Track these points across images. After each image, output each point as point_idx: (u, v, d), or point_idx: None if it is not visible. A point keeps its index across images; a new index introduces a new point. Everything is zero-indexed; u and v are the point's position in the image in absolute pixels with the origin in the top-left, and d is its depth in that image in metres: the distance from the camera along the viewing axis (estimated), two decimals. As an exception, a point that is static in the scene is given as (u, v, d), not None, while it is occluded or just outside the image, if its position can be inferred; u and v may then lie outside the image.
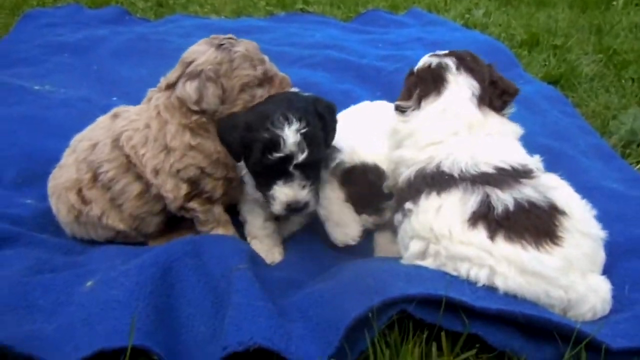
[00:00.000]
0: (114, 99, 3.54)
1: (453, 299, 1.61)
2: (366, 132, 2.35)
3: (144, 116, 2.28)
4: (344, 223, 2.27)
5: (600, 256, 1.88)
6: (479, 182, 1.85)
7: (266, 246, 2.31)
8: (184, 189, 2.25)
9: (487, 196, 1.81)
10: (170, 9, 6.25)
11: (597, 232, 1.89)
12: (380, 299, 1.62)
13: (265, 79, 2.28)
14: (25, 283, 1.89)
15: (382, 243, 2.35)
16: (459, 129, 2.04)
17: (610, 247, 1.98)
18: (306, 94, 2.21)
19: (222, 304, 1.78)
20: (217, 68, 2.18)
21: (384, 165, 2.19)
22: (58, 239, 2.35)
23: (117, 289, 1.74)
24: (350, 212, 2.29)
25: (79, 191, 2.30)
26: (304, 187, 2.05)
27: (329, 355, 1.57)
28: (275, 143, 1.97)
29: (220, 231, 2.35)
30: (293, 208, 2.06)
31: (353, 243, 2.25)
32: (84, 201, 2.29)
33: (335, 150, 2.25)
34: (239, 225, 2.40)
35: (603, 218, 1.95)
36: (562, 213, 1.80)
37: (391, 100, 2.39)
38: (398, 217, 2.02)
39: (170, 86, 2.23)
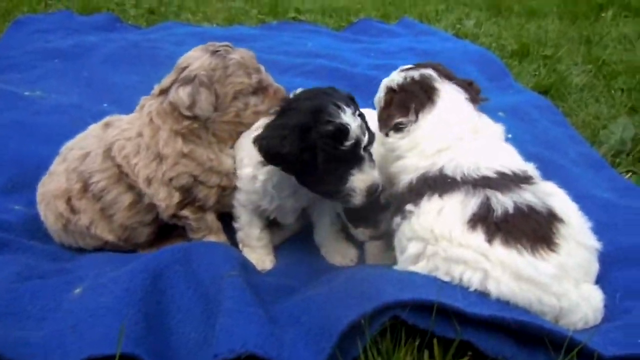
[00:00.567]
0: (105, 105, 3.51)
1: (445, 304, 1.60)
2: None
3: (137, 124, 2.27)
4: (340, 249, 2.34)
5: (594, 267, 1.88)
6: (480, 185, 1.86)
7: (259, 255, 2.30)
8: (176, 197, 2.23)
9: (488, 199, 1.82)
10: (162, 17, 6.24)
11: (593, 243, 1.90)
12: (373, 305, 1.61)
13: (260, 88, 2.29)
14: (14, 289, 1.86)
15: (374, 252, 2.35)
16: (465, 133, 2.05)
17: (601, 256, 1.99)
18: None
19: (212, 311, 1.76)
20: (211, 74, 2.18)
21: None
22: (47, 245, 2.33)
23: (106, 295, 1.72)
24: (344, 238, 2.37)
25: (68, 200, 2.28)
26: (374, 168, 2.00)
27: (322, 361, 1.56)
28: (343, 131, 1.89)
29: (212, 238, 2.33)
30: (372, 192, 1.97)
31: (352, 264, 2.31)
32: (73, 210, 2.27)
33: None
34: (230, 231, 2.38)
35: (594, 227, 1.96)
36: (560, 220, 1.81)
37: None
38: (397, 220, 2.01)
39: (164, 92, 2.22)
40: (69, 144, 2.40)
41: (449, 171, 1.93)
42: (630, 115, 3.71)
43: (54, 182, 2.32)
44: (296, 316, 1.77)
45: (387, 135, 2.14)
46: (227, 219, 2.38)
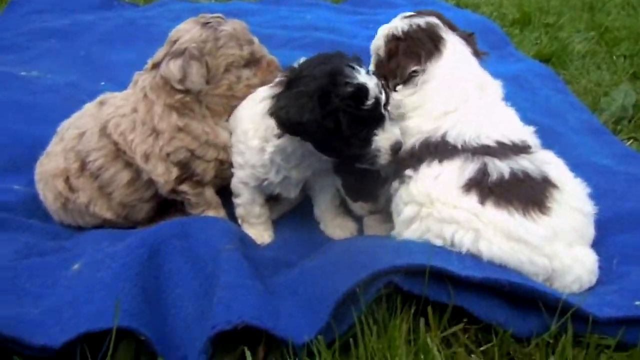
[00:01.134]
0: (102, 83, 3.48)
1: (439, 267, 1.62)
2: None
3: (131, 100, 2.25)
4: (339, 223, 2.33)
5: (590, 231, 1.89)
6: (479, 153, 1.87)
7: (258, 230, 2.29)
8: (174, 172, 2.22)
9: (485, 164, 1.84)
10: (159, -7, 6.15)
11: (588, 208, 1.90)
12: (369, 272, 1.62)
13: (252, 60, 2.26)
14: (13, 267, 1.87)
15: (372, 224, 2.35)
16: (470, 92, 2.03)
17: (599, 222, 2.00)
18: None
19: (210, 285, 1.77)
20: (202, 46, 2.15)
21: None
22: (46, 224, 2.34)
23: (103, 271, 1.73)
24: (343, 213, 2.36)
25: (67, 179, 2.27)
26: (395, 125, 1.98)
27: (319, 330, 1.57)
28: (363, 91, 1.85)
29: (211, 213, 2.33)
30: (397, 150, 1.95)
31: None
32: (71, 189, 2.27)
33: None
34: (229, 206, 2.38)
35: (593, 193, 1.97)
36: (554, 186, 1.82)
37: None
38: (395, 184, 2.03)
39: (156, 66, 2.20)
40: (66, 123, 2.40)
41: (450, 138, 1.93)
42: (632, 81, 3.67)
43: (52, 162, 2.31)
44: (293, 288, 1.78)
45: (394, 89, 2.10)
46: (225, 194, 2.38)
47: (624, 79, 3.70)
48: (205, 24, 2.19)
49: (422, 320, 1.62)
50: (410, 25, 2.13)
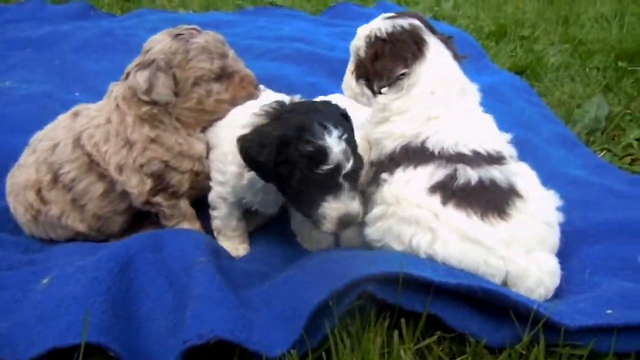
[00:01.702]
0: (77, 94, 3.45)
1: (412, 274, 1.62)
2: None
3: (105, 110, 2.23)
4: (316, 236, 2.28)
5: (552, 240, 1.91)
6: (454, 160, 1.90)
7: (233, 243, 2.27)
8: (148, 183, 2.20)
9: (455, 170, 1.87)
10: (137, 3, 6.17)
11: (552, 218, 1.92)
12: (343, 282, 1.62)
13: (224, 75, 2.22)
14: (-19, 281, 1.83)
15: (349, 236, 2.33)
16: (453, 98, 2.04)
17: (572, 233, 2.03)
18: (320, 100, 2.07)
19: (182, 298, 1.74)
20: (171, 58, 2.13)
21: None
22: (16, 237, 2.29)
23: (73, 285, 1.69)
24: None
25: (38, 191, 2.24)
26: (353, 198, 1.86)
27: (293, 343, 1.56)
28: (322, 155, 1.77)
29: (185, 225, 2.31)
30: (345, 222, 1.86)
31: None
32: (43, 201, 2.23)
33: None
34: (205, 219, 2.35)
35: (565, 204, 1.99)
36: (519, 196, 1.86)
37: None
38: (372, 189, 2.04)
39: (129, 75, 2.18)
40: (39, 135, 2.36)
41: (430, 144, 1.95)
42: (605, 93, 3.73)
43: (23, 174, 2.27)
44: (268, 300, 1.77)
45: (380, 92, 2.09)
46: (201, 206, 2.36)
47: (597, 91, 3.77)
48: (177, 36, 2.17)
49: (396, 333, 1.61)
50: (394, 27, 2.10)
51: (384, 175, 1.98)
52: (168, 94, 2.13)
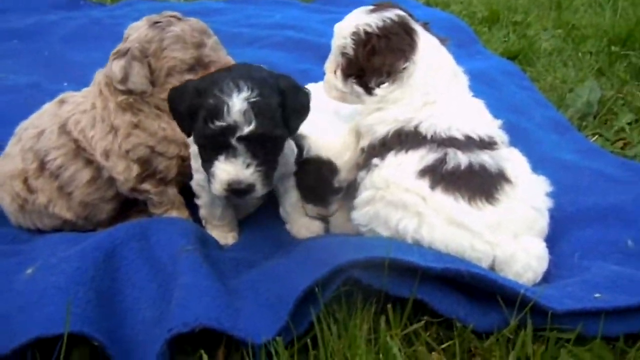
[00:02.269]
0: (65, 84, 3.42)
1: (399, 259, 1.61)
2: (321, 119, 2.20)
3: (90, 96, 2.21)
4: (305, 223, 2.29)
5: (541, 225, 1.90)
6: (445, 144, 1.89)
7: (221, 232, 2.25)
8: (135, 169, 2.18)
9: (445, 154, 1.86)
10: (127, -7, 6.07)
11: (540, 203, 1.92)
12: (329, 268, 1.61)
13: (200, 65, 2.15)
14: (-35, 273, 1.81)
15: (338, 222, 2.33)
16: (447, 83, 2.04)
17: (562, 217, 2.02)
18: (276, 71, 1.99)
19: (168, 287, 1.73)
20: (146, 47, 2.10)
21: (337, 159, 2.13)
22: (3, 228, 2.28)
23: (57, 275, 1.67)
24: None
25: (25, 180, 2.22)
26: (248, 165, 1.79)
27: (278, 330, 1.54)
28: (218, 109, 1.72)
29: (174, 213, 2.29)
30: (234, 189, 1.81)
31: None
32: (30, 190, 2.21)
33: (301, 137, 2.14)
34: (193, 207, 2.33)
35: (556, 188, 1.98)
36: (508, 181, 1.85)
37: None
38: (362, 174, 2.03)
39: None
40: (24, 124, 2.33)
41: (422, 129, 1.94)
42: (598, 78, 3.71)
43: (9, 164, 2.25)
44: (255, 287, 1.76)
45: (378, 86, 2.03)
46: (188, 195, 2.34)
47: (590, 75, 3.74)
48: (154, 24, 2.13)
49: (382, 319, 1.60)
50: (384, 21, 2.04)
51: (375, 160, 1.97)
52: (143, 83, 2.10)
